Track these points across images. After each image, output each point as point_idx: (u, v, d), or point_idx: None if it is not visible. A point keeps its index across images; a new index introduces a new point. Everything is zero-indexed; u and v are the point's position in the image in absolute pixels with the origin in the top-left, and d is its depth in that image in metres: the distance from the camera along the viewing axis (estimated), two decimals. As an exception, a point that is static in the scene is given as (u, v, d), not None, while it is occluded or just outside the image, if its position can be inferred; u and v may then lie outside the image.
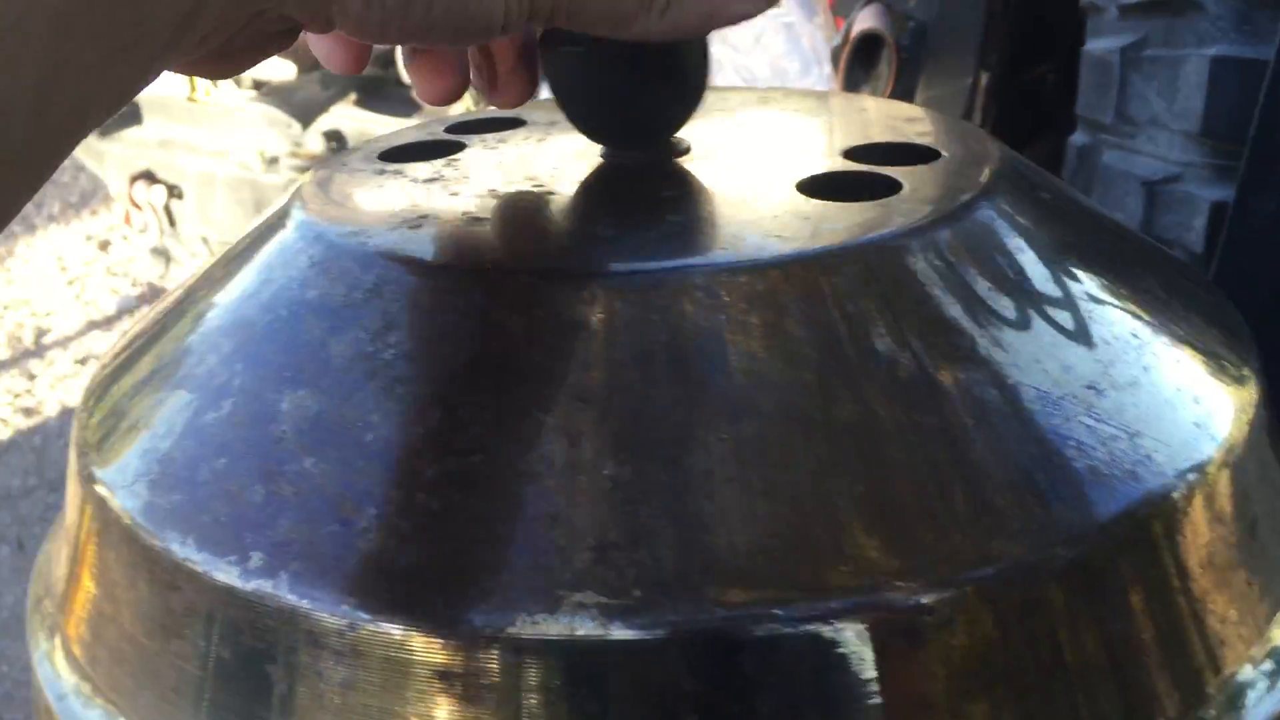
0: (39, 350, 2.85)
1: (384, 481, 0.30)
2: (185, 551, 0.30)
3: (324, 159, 2.22)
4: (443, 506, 0.29)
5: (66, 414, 2.64)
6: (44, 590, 0.37)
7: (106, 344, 2.86)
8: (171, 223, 2.29)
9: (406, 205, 0.38)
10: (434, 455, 0.30)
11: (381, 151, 0.43)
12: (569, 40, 0.38)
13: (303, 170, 2.23)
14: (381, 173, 0.41)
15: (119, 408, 0.36)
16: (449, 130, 0.45)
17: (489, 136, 0.44)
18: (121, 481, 0.33)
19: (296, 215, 0.38)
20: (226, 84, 2.28)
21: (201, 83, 2.26)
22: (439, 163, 0.41)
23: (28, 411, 2.64)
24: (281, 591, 0.29)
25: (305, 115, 2.12)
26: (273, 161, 2.22)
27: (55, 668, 0.34)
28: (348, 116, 2.24)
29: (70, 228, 3.31)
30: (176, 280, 2.56)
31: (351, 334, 0.33)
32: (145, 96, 2.34)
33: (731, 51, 1.03)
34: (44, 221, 3.34)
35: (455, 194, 0.38)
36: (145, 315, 0.42)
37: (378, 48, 0.35)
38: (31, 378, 2.75)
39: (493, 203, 0.37)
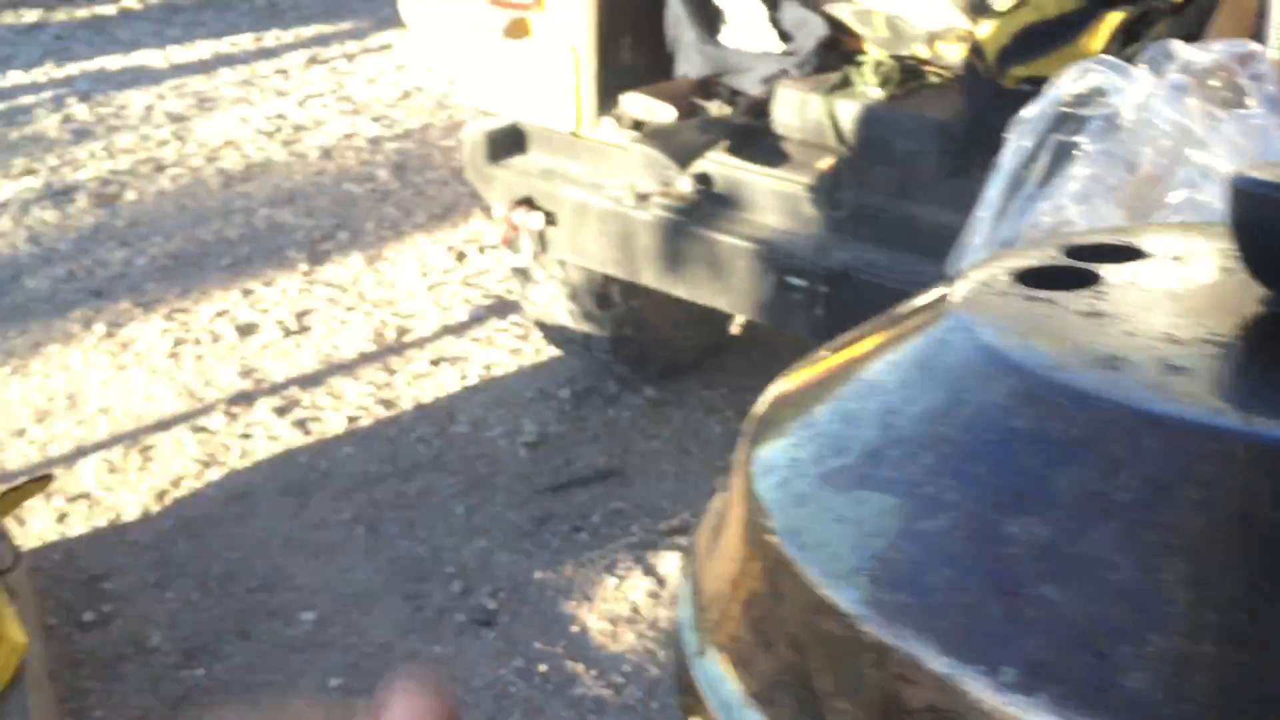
0: (399, 348, 3.10)
1: (1136, 623, 0.32)
2: (926, 653, 0.33)
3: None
4: (1206, 659, 0.30)
5: (420, 409, 2.85)
6: (720, 632, 0.41)
7: (459, 348, 3.08)
8: (544, 247, 2.44)
9: (1086, 340, 0.40)
10: (1188, 604, 0.31)
11: (1017, 273, 0.45)
12: (1265, 185, 0.39)
13: (670, 209, 2.33)
14: (1031, 299, 0.44)
15: (803, 491, 0.40)
16: (1069, 254, 0.47)
17: (1115, 267, 0.46)
18: (838, 570, 0.37)
19: (973, 337, 0.41)
20: (608, 121, 2.41)
21: (586, 117, 2.40)
22: (1086, 294, 0.43)
23: (386, 404, 2.87)
24: (1040, 711, 0.31)
25: (682, 158, 2.22)
26: (643, 198, 2.33)
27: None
28: (716, 162, 2.32)
29: (433, 236, 3.59)
30: (528, 298, 2.70)
31: (1076, 471, 0.35)
32: (533, 127, 2.50)
33: (1194, 150, 1.01)
34: (411, 229, 3.63)
35: (1131, 334, 0.40)
36: (786, 388, 0.46)
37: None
38: (391, 372, 2.99)
39: (1180, 350, 0.39)
